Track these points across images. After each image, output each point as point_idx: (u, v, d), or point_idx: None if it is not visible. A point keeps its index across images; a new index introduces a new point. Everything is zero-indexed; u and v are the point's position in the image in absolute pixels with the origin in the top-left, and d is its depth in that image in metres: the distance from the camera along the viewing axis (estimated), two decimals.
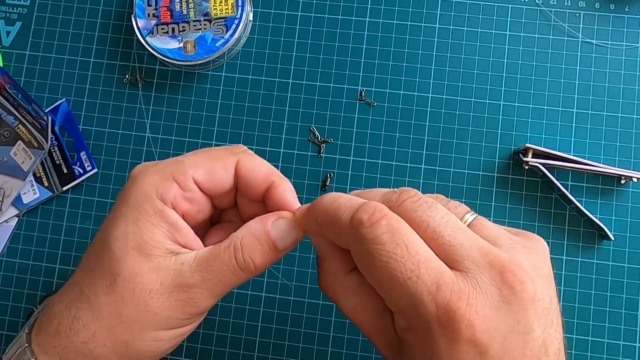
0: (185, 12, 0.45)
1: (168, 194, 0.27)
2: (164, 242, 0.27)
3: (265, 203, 0.30)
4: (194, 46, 0.44)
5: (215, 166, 0.29)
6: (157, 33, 0.45)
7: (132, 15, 0.45)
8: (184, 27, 0.45)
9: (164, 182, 0.28)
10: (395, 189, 0.26)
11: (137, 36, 0.45)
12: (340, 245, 0.27)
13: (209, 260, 0.27)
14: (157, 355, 0.28)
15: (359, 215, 0.24)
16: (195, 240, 0.29)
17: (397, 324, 0.26)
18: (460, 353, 0.22)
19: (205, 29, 0.44)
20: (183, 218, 0.28)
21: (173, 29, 0.45)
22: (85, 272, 0.28)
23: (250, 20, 0.46)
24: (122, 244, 0.27)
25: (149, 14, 0.45)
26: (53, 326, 0.27)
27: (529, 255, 0.25)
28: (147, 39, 0.45)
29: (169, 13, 0.45)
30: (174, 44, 0.44)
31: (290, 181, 0.30)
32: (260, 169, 0.29)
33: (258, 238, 0.28)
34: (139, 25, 0.45)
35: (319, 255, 0.29)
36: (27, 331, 0.28)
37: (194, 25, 0.45)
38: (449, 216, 0.25)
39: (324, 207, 0.27)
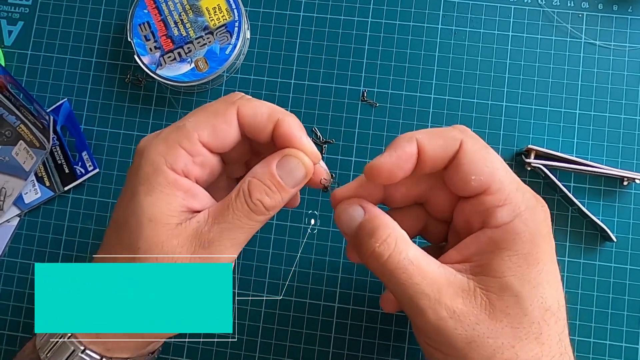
0: (184, 33, 0.44)
1: (177, 162, 0.27)
2: (180, 210, 0.28)
3: (275, 143, 0.29)
4: (206, 62, 0.43)
5: (217, 123, 0.28)
6: (166, 63, 0.44)
7: (134, 56, 0.44)
8: (189, 47, 0.44)
9: (171, 151, 0.27)
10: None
11: (146, 72, 0.44)
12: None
13: (222, 212, 0.27)
14: None
15: None
16: (213, 202, 0.29)
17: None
18: None
19: (210, 42, 0.44)
20: (197, 182, 0.29)
21: (179, 54, 0.44)
22: (106, 250, 0.29)
23: (247, 21, 0.46)
24: (139, 218, 0.27)
25: (150, 49, 0.44)
26: None
27: None
28: (158, 72, 0.44)
29: (169, 40, 0.44)
30: (186, 67, 0.44)
31: None
32: (261, 112, 0.28)
33: (263, 180, 0.28)
34: (145, 62, 0.44)
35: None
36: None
37: (198, 42, 0.44)
38: None
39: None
